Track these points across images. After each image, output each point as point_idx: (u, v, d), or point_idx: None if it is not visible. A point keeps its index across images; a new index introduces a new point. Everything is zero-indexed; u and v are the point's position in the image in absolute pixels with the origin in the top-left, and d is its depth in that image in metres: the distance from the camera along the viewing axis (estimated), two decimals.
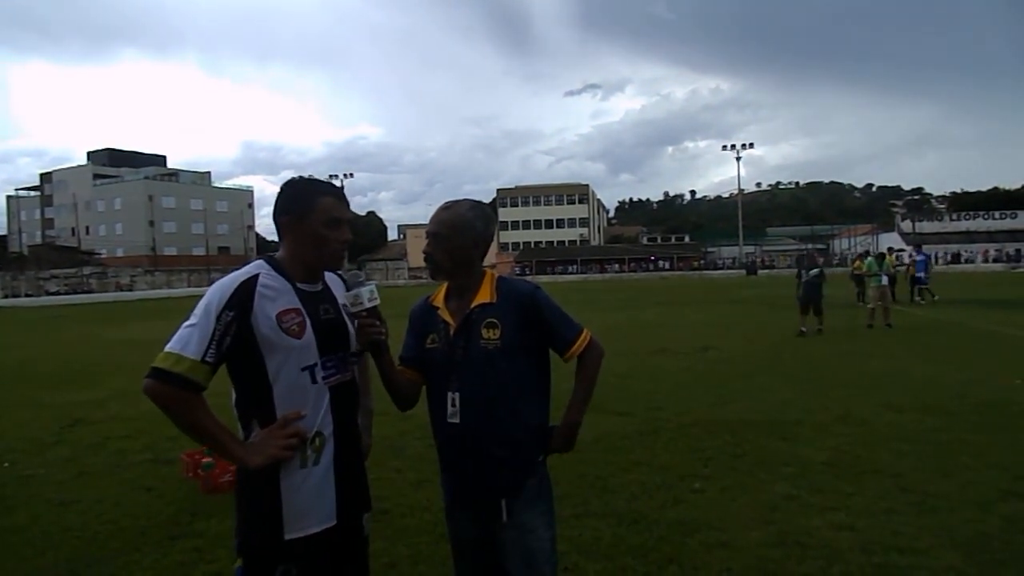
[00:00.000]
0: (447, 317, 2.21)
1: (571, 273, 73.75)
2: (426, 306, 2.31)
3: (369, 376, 2.31)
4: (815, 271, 14.46)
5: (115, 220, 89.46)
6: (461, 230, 2.20)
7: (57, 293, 54.88)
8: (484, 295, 2.19)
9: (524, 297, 2.20)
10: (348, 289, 2.04)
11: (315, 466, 1.94)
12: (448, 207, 2.24)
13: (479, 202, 2.31)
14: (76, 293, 54.44)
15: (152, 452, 6.25)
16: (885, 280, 15.28)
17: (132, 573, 3.76)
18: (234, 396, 1.98)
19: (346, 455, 2.02)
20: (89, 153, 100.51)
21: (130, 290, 59.81)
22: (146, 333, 19.33)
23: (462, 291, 2.23)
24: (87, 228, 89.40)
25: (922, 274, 21.34)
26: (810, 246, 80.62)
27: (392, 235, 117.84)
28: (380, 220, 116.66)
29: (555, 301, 2.26)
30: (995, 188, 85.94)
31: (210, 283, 1.87)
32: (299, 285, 2.00)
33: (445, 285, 2.30)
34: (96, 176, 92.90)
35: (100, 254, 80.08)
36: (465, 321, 2.17)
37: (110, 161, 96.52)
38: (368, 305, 2.01)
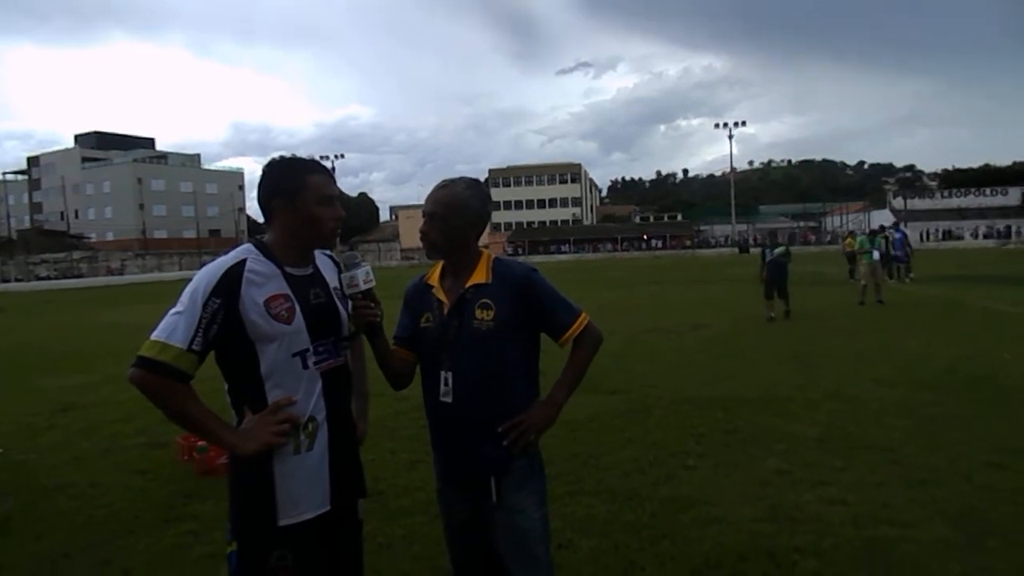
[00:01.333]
0: (441, 296, 2.19)
1: (564, 253, 73.78)
2: (421, 285, 2.29)
3: (365, 360, 2.30)
4: (780, 250, 13.40)
5: (104, 203, 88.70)
6: (458, 210, 2.16)
7: (47, 278, 54.54)
8: (479, 275, 2.17)
9: (519, 279, 2.17)
10: (344, 271, 2.01)
11: (308, 452, 1.92)
12: (445, 186, 2.21)
13: (476, 180, 2.28)
14: (66, 278, 54.16)
15: (146, 436, 6.24)
16: (877, 256, 15.32)
17: (127, 557, 3.77)
18: (226, 384, 1.96)
19: (340, 441, 2.00)
20: (77, 136, 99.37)
21: (120, 274, 59.51)
22: (137, 317, 19.25)
23: (457, 270, 2.21)
24: (76, 212, 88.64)
25: (899, 252, 21.11)
26: (801, 224, 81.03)
27: (384, 216, 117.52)
28: (372, 201, 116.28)
29: (551, 283, 2.23)
30: (986, 165, 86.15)
31: (201, 266, 1.81)
32: (288, 269, 1.96)
33: (440, 264, 2.27)
34: (84, 159, 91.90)
35: (89, 238, 79.50)
36: (459, 301, 2.15)
37: (98, 144, 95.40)
38: (364, 287, 1.98)
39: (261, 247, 1.96)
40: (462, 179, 2.25)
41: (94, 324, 18.37)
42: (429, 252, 2.22)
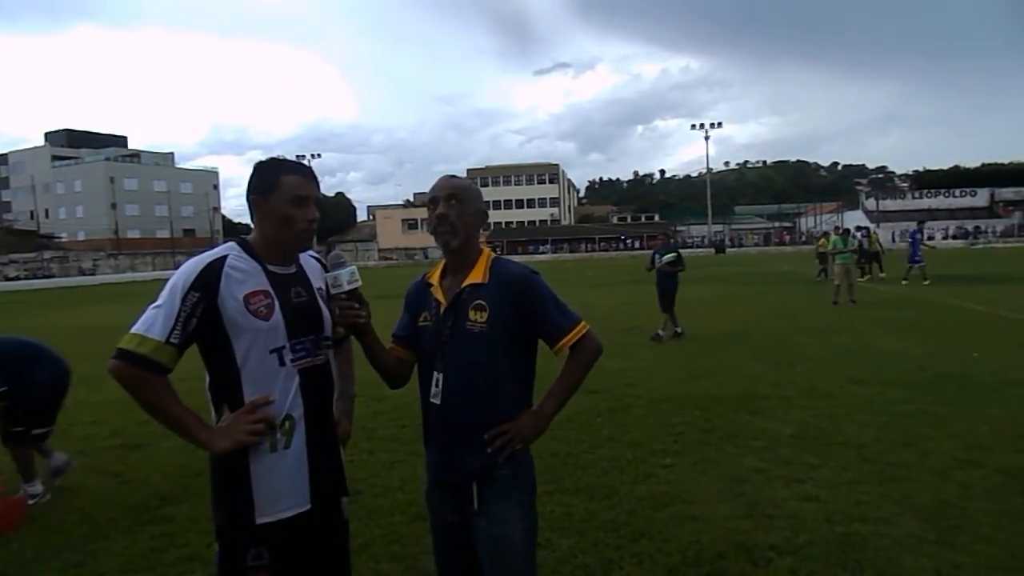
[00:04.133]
0: (439, 295, 2.16)
1: (542, 253, 73.82)
2: (422, 284, 2.27)
3: (352, 363, 2.30)
4: (670, 256, 11.26)
5: (75, 203, 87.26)
6: (471, 195, 2.17)
7: (16, 278, 53.49)
8: (477, 275, 2.12)
9: (516, 280, 2.12)
10: (328, 271, 2.00)
11: (286, 450, 1.93)
12: (452, 176, 2.22)
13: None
14: (36, 278, 53.16)
15: (120, 438, 6.17)
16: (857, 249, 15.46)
17: (101, 560, 3.72)
18: (207, 380, 1.98)
19: (319, 439, 2.00)
20: (47, 134, 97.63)
21: (92, 274, 58.54)
22: (110, 318, 18.93)
23: (457, 269, 2.17)
24: (46, 211, 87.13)
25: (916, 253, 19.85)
26: (777, 224, 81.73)
27: (361, 216, 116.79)
28: (349, 201, 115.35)
29: (551, 288, 2.16)
30: (956, 166, 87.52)
31: (176, 266, 1.84)
32: (270, 267, 1.98)
33: (442, 263, 2.24)
34: (55, 157, 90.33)
35: (60, 238, 78.17)
36: (455, 301, 2.11)
37: (69, 142, 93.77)
38: (347, 287, 1.96)
39: (244, 245, 2.00)
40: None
41: (66, 325, 18.02)
42: (449, 236, 2.12)
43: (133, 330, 1.81)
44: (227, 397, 1.93)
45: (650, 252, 12.00)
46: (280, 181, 1.97)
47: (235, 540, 1.91)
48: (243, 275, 1.92)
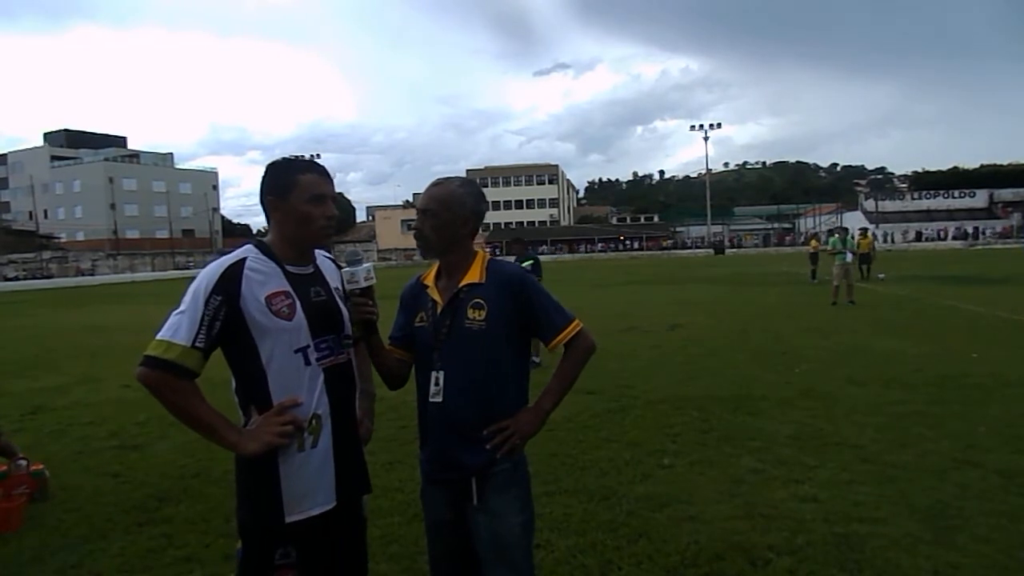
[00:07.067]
0: (436, 296, 2.19)
1: (541, 254, 73.77)
2: (417, 285, 2.30)
3: (370, 362, 2.32)
4: (528, 264, 9.57)
5: (74, 203, 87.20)
6: (451, 206, 2.17)
7: (15, 279, 53.42)
8: (474, 275, 2.17)
9: (513, 279, 2.17)
10: (345, 267, 2.04)
11: (313, 448, 1.96)
12: (438, 183, 2.23)
13: (470, 179, 2.30)
14: (35, 278, 53.09)
15: (118, 439, 6.15)
16: (849, 258, 15.55)
17: (99, 560, 3.71)
18: (233, 383, 1.99)
19: (344, 437, 2.03)
20: (46, 134, 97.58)
21: (91, 275, 58.44)
22: (109, 318, 18.98)
23: (452, 270, 2.21)
24: (45, 211, 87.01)
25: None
26: (776, 225, 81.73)
27: (361, 216, 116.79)
28: (348, 201, 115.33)
29: (545, 287, 2.24)
30: (955, 168, 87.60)
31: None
32: (288, 268, 2.00)
33: (436, 264, 2.27)
34: (54, 158, 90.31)
35: (59, 238, 78.08)
36: (452, 300, 2.15)
37: (68, 142, 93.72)
38: (363, 284, 2.01)
39: (261, 247, 2.02)
40: (455, 177, 2.28)
41: (64, 325, 18.01)
42: (423, 250, 2.22)
43: (159, 336, 1.83)
44: (254, 398, 1.94)
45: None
46: (297, 180, 1.99)
47: (262, 538, 1.93)
48: (263, 276, 1.94)
